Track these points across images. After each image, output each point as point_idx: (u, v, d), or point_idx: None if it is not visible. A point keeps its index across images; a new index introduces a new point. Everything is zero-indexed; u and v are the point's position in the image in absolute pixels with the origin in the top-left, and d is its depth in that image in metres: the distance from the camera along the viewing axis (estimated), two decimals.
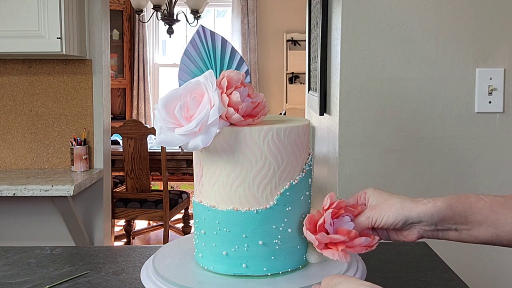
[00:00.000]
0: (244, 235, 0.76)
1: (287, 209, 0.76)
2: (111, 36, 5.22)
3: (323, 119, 1.86)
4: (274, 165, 0.75)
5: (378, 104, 1.54)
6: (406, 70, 1.53)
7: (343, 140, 1.56)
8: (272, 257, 0.76)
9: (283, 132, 0.75)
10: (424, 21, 1.52)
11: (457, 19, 1.52)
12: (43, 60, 2.52)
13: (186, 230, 3.99)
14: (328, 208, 0.74)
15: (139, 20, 5.57)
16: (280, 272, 0.78)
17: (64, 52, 2.20)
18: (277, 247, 0.76)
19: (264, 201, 0.76)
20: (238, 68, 0.81)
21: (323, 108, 1.78)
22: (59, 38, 2.19)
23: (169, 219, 3.65)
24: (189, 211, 4.06)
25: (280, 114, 4.88)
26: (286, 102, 5.69)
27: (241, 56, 0.81)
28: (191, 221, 4.05)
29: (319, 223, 0.73)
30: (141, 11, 4.46)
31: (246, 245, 0.76)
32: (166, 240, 3.65)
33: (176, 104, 0.74)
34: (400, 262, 1.06)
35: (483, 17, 1.51)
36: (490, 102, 1.53)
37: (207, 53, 0.81)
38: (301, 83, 5.55)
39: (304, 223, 0.74)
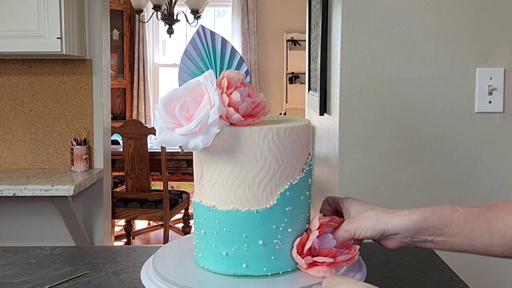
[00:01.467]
0: (244, 235, 0.76)
1: (287, 209, 0.76)
2: (111, 36, 5.22)
3: (323, 119, 1.86)
4: (274, 165, 0.75)
5: (378, 104, 1.54)
6: (406, 70, 1.53)
7: (343, 140, 1.56)
8: (272, 257, 0.76)
9: (283, 132, 0.75)
10: (424, 21, 1.52)
11: (457, 19, 1.52)
12: (43, 60, 2.52)
13: (186, 230, 3.99)
14: (316, 230, 0.76)
15: (139, 20, 5.57)
16: (280, 272, 0.78)
17: (64, 52, 2.20)
18: (277, 247, 0.76)
19: (264, 201, 0.76)
20: (238, 68, 0.81)
21: (323, 108, 1.78)
22: (59, 38, 2.19)
23: (169, 219, 3.65)
24: (189, 211, 4.06)
25: (280, 114, 4.87)
26: (286, 102, 5.69)
27: (241, 56, 0.81)
28: (191, 221, 4.05)
29: (306, 247, 0.75)
30: (141, 11, 4.45)
31: (246, 245, 0.76)
32: (166, 240, 3.65)
33: (176, 104, 0.74)
34: (400, 262, 1.06)
35: (483, 17, 1.51)
36: (490, 102, 1.53)
37: (207, 53, 0.81)
38: (301, 83, 5.55)
39: (294, 246, 0.76)
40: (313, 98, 2.02)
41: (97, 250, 1.13)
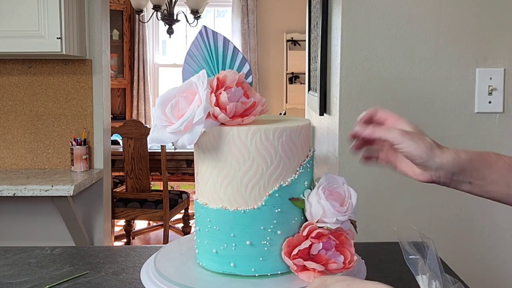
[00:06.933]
0: (232, 234, 0.76)
1: (276, 210, 0.75)
2: (111, 36, 5.21)
3: (323, 119, 1.86)
4: (262, 166, 0.75)
5: (378, 104, 1.54)
6: (406, 70, 1.53)
7: (343, 140, 1.55)
8: (261, 258, 0.76)
9: (272, 133, 0.75)
10: (424, 21, 1.52)
11: (457, 19, 1.52)
12: (43, 60, 2.52)
13: (186, 230, 3.99)
14: (306, 236, 0.75)
15: (139, 20, 5.57)
16: (269, 274, 0.77)
17: (64, 52, 2.20)
18: (265, 248, 0.76)
19: (252, 202, 0.75)
20: (240, 67, 0.81)
21: (323, 108, 1.78)
22: (59, 38, 2.19)
23: (169, 219, 3.66)
24: (189, 211, 4.06)
25: (280, 114, 4.87)
26: (286, 102, 5.69)
27: (243, 56, 0.81)
28: (191, 221, 4.06)
29: (294, 252, 0.74)
30: (141, 11, 4.45)
31: (234, 244, 0.76)
32: (166, 240, 3.65)
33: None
34: (400, 262, 1.06)
35: (483, 17, 1.51)
36: (490, 102, 1.53)
37: (209, 53, 0.82)
38: (301, 83, 5.54)
39: (282, 247, 0.75)
40: (313, 98, 2.02)
41: (97, 250, 1.13)
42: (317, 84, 1.83)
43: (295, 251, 0.74)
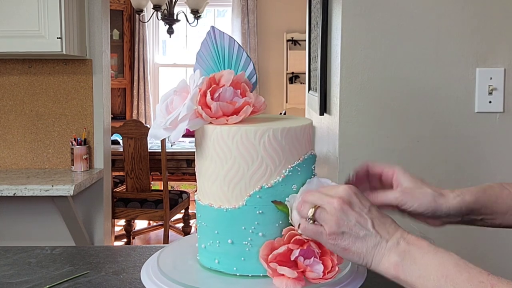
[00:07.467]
0: (216, 231, 0.77)
1: (257, 212, 0.75)
2: (111, 36, 5.21)
3: (323, 119, 1.86)
4: (243, 166, 0.75)
5: (378, 104, 1.54)
6: (406, 70, 1.53)
7: (343, 140, 1.55)
8: (242, 258, 0.76)
9: (253, 134, 0.74)
10: (424, 21, 1.52)
11: (457, 19, 1.52)
12: (43, 60, 2.52)
13: (186, 230, 3.99)
14: (287, 241, 0.72)
15: (139, 20, 5.57)
16: (250, 275, 0.76)
17: (64, 52, 2.20)
18: (247, 249, 0.76)
19: (234, 201, 0.76)
20: (244, 67, 0.83)
21: (323, 108, 1.78)
22: (59, 38, 2.19)
23: (169, 219, 3.66)
24: (189, 211, 4.06)
25: (280, 114, 4.87)
26: (286, 102, 5.68)
27: (247, 56, 0.83)
28: (192, 221, 4.06)
29: (270, 256, 0.72)
30: (141, 11, 4.45)
31: (218, 241, 0.77)
32: (166, 240, 3.65)
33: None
34: None
35: (483, 17, 1.51)
36: (490, 102, 1.53)
37: (216, 53, 0.84)
38: (301, 83, 5.54)
39: (260, 249, 0.73)
40: (313, 98, 2.02)
41: (97, 250, 1.13)
42: (317, 84, 1.83)
43: (272, 255, 0.72)
